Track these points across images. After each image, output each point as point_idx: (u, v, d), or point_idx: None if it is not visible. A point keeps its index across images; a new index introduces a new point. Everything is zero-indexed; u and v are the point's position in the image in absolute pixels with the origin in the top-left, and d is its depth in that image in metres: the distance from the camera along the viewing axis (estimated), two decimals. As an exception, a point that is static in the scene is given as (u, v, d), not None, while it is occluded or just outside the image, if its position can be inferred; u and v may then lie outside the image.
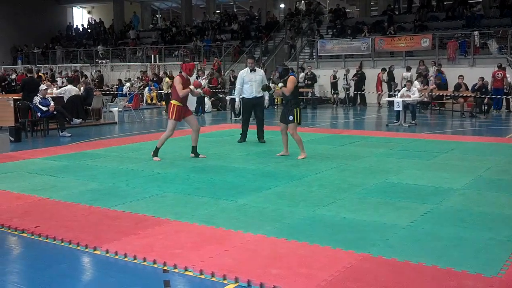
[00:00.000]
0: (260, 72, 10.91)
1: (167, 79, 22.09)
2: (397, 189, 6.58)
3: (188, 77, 8.86)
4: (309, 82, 21.94)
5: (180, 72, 8.95)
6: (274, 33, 28.51)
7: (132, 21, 36.09)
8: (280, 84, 8.71)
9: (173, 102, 8.69)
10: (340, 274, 3.90)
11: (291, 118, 8.70)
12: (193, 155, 9.06)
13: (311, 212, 5.58)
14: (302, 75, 22.63)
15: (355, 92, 21.95)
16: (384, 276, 3.88)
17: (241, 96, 10.83)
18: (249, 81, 10.70)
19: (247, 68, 10.84)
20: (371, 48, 23.34)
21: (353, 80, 21.87)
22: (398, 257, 4.22)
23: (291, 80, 8.66)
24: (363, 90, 21.89)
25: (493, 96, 17.63)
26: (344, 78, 21.98)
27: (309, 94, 21.97)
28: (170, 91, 21.31)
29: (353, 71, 22.08)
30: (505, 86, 17.99)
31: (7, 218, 5.43)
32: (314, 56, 25.34)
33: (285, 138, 9.10)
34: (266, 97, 11.12)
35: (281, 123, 9.05)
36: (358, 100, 22.32)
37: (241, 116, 11.56)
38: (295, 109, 8.70)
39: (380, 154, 9.29)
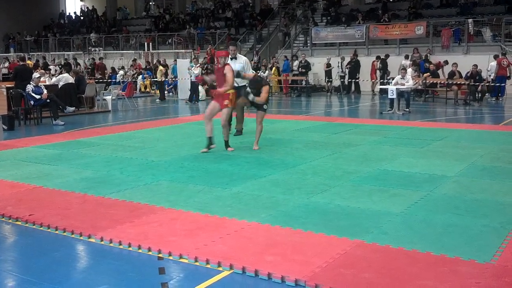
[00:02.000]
0: (241, 59, 10.17)
1: (161, 67, 22.04)
2: (391, 177, 6.61)
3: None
4: (303, 70, 21.90)
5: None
6: (268, 21, 28.40)
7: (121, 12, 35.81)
8: (252, 96, 8.55)
9: (230, 91, 8.44)
10: (334, 261, 3.93)
11: (265, 107, 8.76)
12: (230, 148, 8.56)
13: (306, 199, 5.60)
14: (296, 63, 22.58)
15: (349, 80, 21.94)
16: (377, 262, 3.91)
17: None
18: None
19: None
20: (366, 36, 23.30)
21: (347, 68, 21.84)
22: (392, 244, 4.24)
23: (266, 90, 8.60)
24: (358, 78, 21.87)
25: (497, 84, 17.71)
26: (338, 66, 21.95)
27: (303, 82, 21.94)
28: (163, 79, 21.36)
29: (348, 59, 22.05)
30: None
31: (1, 207, 5.42)
32: (308, 44, 25.28)
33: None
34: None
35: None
36: (353, 88, 22.31)
37: None
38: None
39: (374, 142, 9.32)
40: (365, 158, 7.82)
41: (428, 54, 20.50)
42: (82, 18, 38.40)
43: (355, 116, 14.73)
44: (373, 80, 21.77)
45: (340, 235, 4.46)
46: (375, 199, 5.59)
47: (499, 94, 18.26)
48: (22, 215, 5.12)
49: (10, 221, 5.10)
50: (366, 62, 22.19)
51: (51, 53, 32.49)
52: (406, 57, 20.80)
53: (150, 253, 4.21)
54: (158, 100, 20.08)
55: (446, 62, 18.94)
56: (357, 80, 21.91)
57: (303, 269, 3.76)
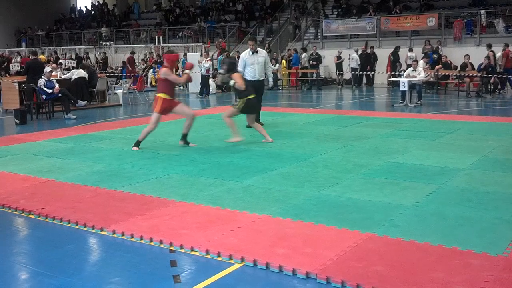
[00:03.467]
0: (262, 53, 10.41)
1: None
2: (403, 169, 6.57)
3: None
4: (314, 63, 21.83)
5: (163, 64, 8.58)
6: (279, 13, 28.29)
7: (134, 8, 35.75)
8: (233, 82, 8.49)
9: (159, 95, 8.10)
10: (346, 254, 3.92)
11: (235, 103, 8.58)
12: (182, 142, 8.41)
13: (316, 192, 5.59)
14: (304, 55, 22.49)
15: (361, 73, 21.82)
16: (389, 255, 3.90)
17: None
18: (251, 64, 10.19)
19: (249, 49, 10.35)
20: (377, 28, 23.14)
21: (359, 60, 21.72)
22: (404, 237, 4.23)
23: (238, 76, 8.45)
24: (370, 71, 21.71)
25: (506, 76, 17.49)
26: (350, 58, 21.82)
27: (314, 75, 21.86)
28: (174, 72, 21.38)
29: (360, 51, 21.92)
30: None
31: (14, 200, 5.48)
32: (319, 37, 25.16)
33: (258, 127, 8.93)
34: (270, 79, 10.63)
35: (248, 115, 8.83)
36: (364, 81, 22.20)
37: None
38: (242, 99, 8.48)
39: (385, 134, 9.27)
40: (376, 151, 7.79)
41: (439, 46, 20.32)
42: (93, 12, 38.49)
43: (366, 109, 14.66)
44: (388, 73, 21.62)
45: (351, 228, 4.45)
46: (387, 192, 5.57)
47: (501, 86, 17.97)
48: (35, 209, 5.17)
49: (23, 214, 5.15)
50: (378, 54, 22.04)
51: (62, 47, 32.64)
52: (410, 50, 20.66)
53: (161, 245, 4.24)
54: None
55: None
56: (368, 73, 21.79)
57: (314, 262, 3.76)
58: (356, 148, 8.06)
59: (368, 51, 21.99)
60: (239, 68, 10.27)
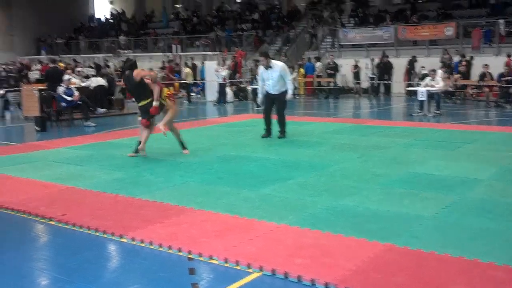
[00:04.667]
0: (277, 67, 9.90)
1: (187, 69, 22.22)
2: (422, 180, 6.52)
3: None
4: (331, 72, 21.81)
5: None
6: (295, 22, 28.36)
7: (162, 17, 35.90)
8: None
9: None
10: (365, 264, 3.90)
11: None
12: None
13: (334, 202, 5.57)
14: (318, 64, 22.48)
15: (378, 82, 21.74)
16: (409, 266, 3.86)
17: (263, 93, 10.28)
18: (266, 79, 9.98)
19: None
20: (394, 37, 23.07)
21: (376, 69, 21.66)
22: (424, 248, 4.19)
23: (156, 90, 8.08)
24: (387, 80, 21.61)
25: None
26: (367, 67, 21.77)
27: (331, 84, 21.84)
28: (189, 80, 21.47)
29: (377, 60, 21.86)
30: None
31: (34, 206, 5.54)
32: (336, 46, 25.15)
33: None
34: (290, 91, 10.08)
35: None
36: (382, 90, 22.11)
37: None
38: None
39: (404, 144, 9.21)
40: (394, 160, 7.74)
41: (460, 56, 20.15)
42: (111, 21, 38.93)
43: (384, 118, 14.58)
44: (405, 82, 21.52)
45: (370, 238, 4.42)
46: (406, 202, 5.53)
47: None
48: (55, 215, 5.22)
49: (43, 221, 5.20)
50: (395, 63, 21.97)
51: (81, 55, 33.04)
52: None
53: (180, 253, 4.25)
54: (186, 101, 20.21)
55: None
56: (386, 82, 21.71)
57: (333, 272, 3.75)
58: (374, 157, 8.01)
59: (384, 60, 21.91)
60: (260, 83, 10.28)
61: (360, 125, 12.11)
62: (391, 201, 5.57)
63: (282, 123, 10.15)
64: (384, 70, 21.63)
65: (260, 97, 10.45)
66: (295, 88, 22.01)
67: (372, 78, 21.75)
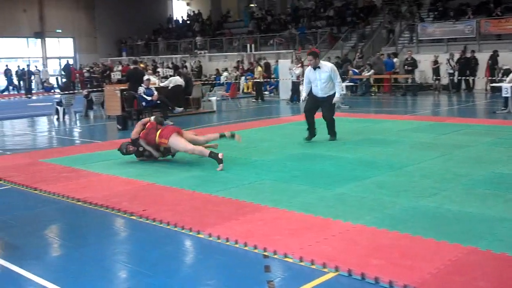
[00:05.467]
0: (326, 68, 9.29)
1: (259, 67, 22.37)
2: (507, 180, 6.19)
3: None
4: (409, 68, 21.19)
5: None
6: (372, 18, 27.79)
7: (244, 17, 36.33)
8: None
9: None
10: (445, 267, 3.76)
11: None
12: None
13: (414, 202, 5.41)
14: (396, 60, 21.90)
15: (459, 78, 20.88)
16: (493, 271, 3.68)
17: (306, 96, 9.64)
18: (313, 80, 9.37)
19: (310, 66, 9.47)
20: (476, 31, 22.05)
21: (457, 64, 20.82)
22: (508, 251, 3.98)
23: None
24: (470, 75, 20.71)
25: None
26: (447, 63, 20.98)
27: (409, 80, 21.22)
28: (261, 79, 21.60)
29: (457, 56, 21.01)
30: None
31: (117, 202, 5.78)
32: (414, 41, 24.40)
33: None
34: (338, 94, 9.34)
35: None
36: (463, 86, 21.23)
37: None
38: None
39: (487, 143, 8.79)
40: (477, 160, 7.41)
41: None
42: (188, 22, 39.92)
43: (466, 116, 13.98)
44: (487, 78, 20.54)
45: (452, 240, 4.25)
46: (489, 203, 5.27)
47: None
48: (136, 210, 5.43)
49: (125, 215, 5.42)
50: (477, 58, 21.01)
51: (160, 56, 34.15)
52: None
53: (256, 250, 4.28)
54: (253, 100, 20.31)
55: None
56: (467, 78, 20.80)
57: (412, 275, 3.64)
58: (456, 157, 7.70)
59: (468, 55, 21.00)
60: (305, 84, 9.65)
61: (439, 123, 11.69)
62: (474, 202, 5.33)
63: (333, 128, 9.59)
64: (466, 65, 20.72)
65: (304, 95, 9.79)
66: (371, 85, 21.70)
67: (451, 74, 20.90)
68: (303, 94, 9.84)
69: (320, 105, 9.49)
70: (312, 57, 9.35)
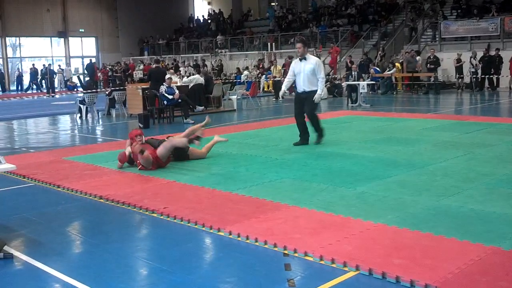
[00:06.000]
0: (312, 60, 8.81)
1: (278, 66, 22.34)
2: (532, 180, 6.09)
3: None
4: (432, 66, 20.95)
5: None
6: (393, 16, 27.53)
7: (268, 14, 36.21)
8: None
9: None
10: (468, 267, 3.71)
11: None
12: None
13: (436, 202, 5.35)
14: (418, 58, 21.66)
15: (482, 76, 20.57)
16: (517, 272, 3.63)
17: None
18: (297, 73, 8.85)
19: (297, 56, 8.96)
20: (500, 28, 21.69)
21: (480, 63, 20.51)
22: (534, 253, 3.92)
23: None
24: (494, 74, 20.39)
25: None
26: (472, 62, 20.69)
27: (432, 79, 20.99)
28: (280, 78, 21.52)
29: (480, 54, 20.71)
30: None
31: (138, 199, 5.84)
32: (437, 39, 24.10)
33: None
34: (319, 90, 8.76)
35: None
36: (487, 84, 20.91)
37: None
38: None
39: (510, 142, 8.64)
40: (501, 159, 7.29)
41: None
42: (209, 21, 40.06)
43: (489, 115, 13.77)
44: (510, 76, 20.20)
45: (474, 240, 4.20)
46: (514, 203, 5.19)
47: None
48: (157, 208, 5.47)
49: (146, 213, 5.46)
50: (502, 56, 20.67)
51: (181, 55, 34.34)
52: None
53: (276, 249, 4.28)
54: (274, 99, 20.29)
55: None
56: (491, 76, 20.48)
57: (434, 274, 3.60)
58: (479, 156, 7.60)
59: (493, 53, 20.67)
60: (289, 76, 9.17)
61: (462, 122, 11.53)
62: (498, 202, 5.25)
63: (316, 125, 9.01)
64: (490, 63, 20.40)
65: (283, 89, 9.23)
66: (393, 83, 21.48)
67: (473, 73, 20.60)
68: (283, 89, 9.26)
69: (304, 103, 8.93)
70: (301, 44, 8.81)
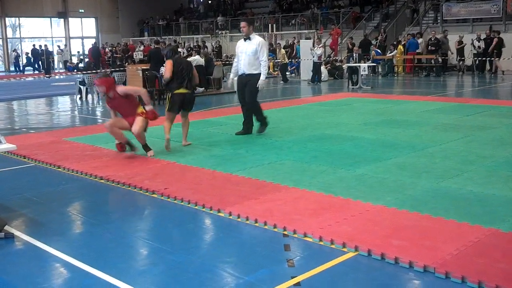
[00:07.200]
0: (255, 40, 8.13)
1: (283, 50, 22.23)
2: (531, 163, 6.10)
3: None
4: (433, 48, 20.83)
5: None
6: (395, -3, 27.31)
7: None
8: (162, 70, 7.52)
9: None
10: (467, 249, 3.74)
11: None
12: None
13: (435, 184, 5.37)
14: (420, 40, 21.53)
15: (484, 59, 20.46)
16: (515, 253, 3.65)
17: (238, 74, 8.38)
18: (239, 53, 8.23)
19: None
20: (502, 10, 21.52)
21: (482, 43, 20.38)
22: (532, 235, 3.94)
23: (167, 64, 7.47)
24: (494, 57, 20.28)
25: None
26: (472, 44, 20.56)
27: (433, 61, 20.88)
28: (285, 61, 21.43)
29: (483, 36, 20.57)
30: None
31: (139, 180, 5.85)
32: (439, 21, 23.93)
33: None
34: (263, 76, 8.14)
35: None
36: (488, 67, 20.81)
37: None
38: (169, 93, 7.57)
39: (511, 124, 8.64)
40: (501, 142, 7.30)
41: None
42: (209, 2, 39.69)
43: (490, 97, 13.74)
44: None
45: (473, 222, 4.22)
46: (513, 186, 5.21)
47: None
48: (158, 189, 5.49)
49: (147, 194, 5.48)
50: (504, 39, 20.51)
51: (181, 36, 34.11)
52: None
53: (275, 229, 4.31)
54: (282, 82, 20.26)
55: None
56: (492, 59, 20.37)
57: (433, 256, 3.63)
58: (479, 138, 7.60)
59: (493, 35, 20.52)
60: (235, 59, 8.55)
61: (463, 104, 11.51)
62: (497, 184, 5.27)
63: (257, 113, 8.37)
64: (490, 46, 20.25)
65: (231, 77, 8.74)
66: (394, 65, 21.38)
67: (476, 55, 20.48)
68: (231, 76, 8.74)
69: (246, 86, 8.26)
70: (246, 23, 8.23)
